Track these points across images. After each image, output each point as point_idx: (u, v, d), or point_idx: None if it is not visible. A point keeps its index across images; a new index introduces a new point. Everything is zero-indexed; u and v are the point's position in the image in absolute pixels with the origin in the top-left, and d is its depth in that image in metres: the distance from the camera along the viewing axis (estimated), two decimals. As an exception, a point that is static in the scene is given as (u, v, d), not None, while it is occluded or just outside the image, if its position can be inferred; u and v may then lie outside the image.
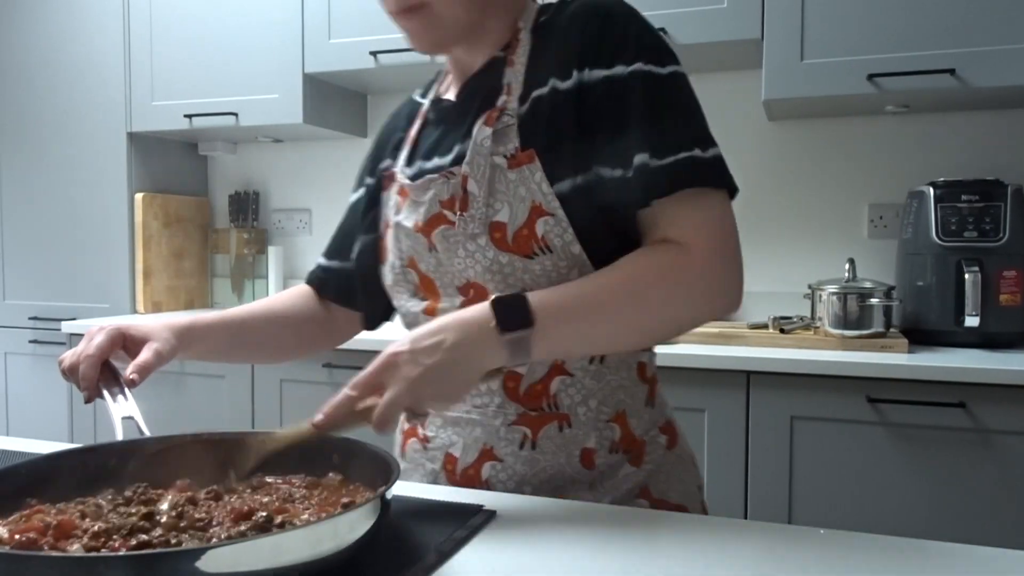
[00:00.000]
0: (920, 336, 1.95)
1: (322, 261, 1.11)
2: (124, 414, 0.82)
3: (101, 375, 0.87)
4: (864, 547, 0.66)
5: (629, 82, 0.82)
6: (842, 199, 2.29)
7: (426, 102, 1.00)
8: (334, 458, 0.75)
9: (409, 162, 0.95)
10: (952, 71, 1.84)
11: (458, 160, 0.87)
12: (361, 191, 1.06)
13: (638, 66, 0.82)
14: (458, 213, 0.85)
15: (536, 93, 0.85)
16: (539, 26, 0.90)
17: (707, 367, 1.79)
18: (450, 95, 0.95)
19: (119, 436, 0.80)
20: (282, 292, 1.11)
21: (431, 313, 0.90)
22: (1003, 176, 2.07)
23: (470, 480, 0.88)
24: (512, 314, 0.74)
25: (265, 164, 2.96)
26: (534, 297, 0.76)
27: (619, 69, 0.82)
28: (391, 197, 0.96)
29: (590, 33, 0.84)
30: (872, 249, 2.27)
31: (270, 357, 1.09)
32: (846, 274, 1.96)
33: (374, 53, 2.33)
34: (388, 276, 0.96)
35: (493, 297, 0.76)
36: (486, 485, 0.88)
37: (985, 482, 1.64)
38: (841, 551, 0.66)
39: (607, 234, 0.84)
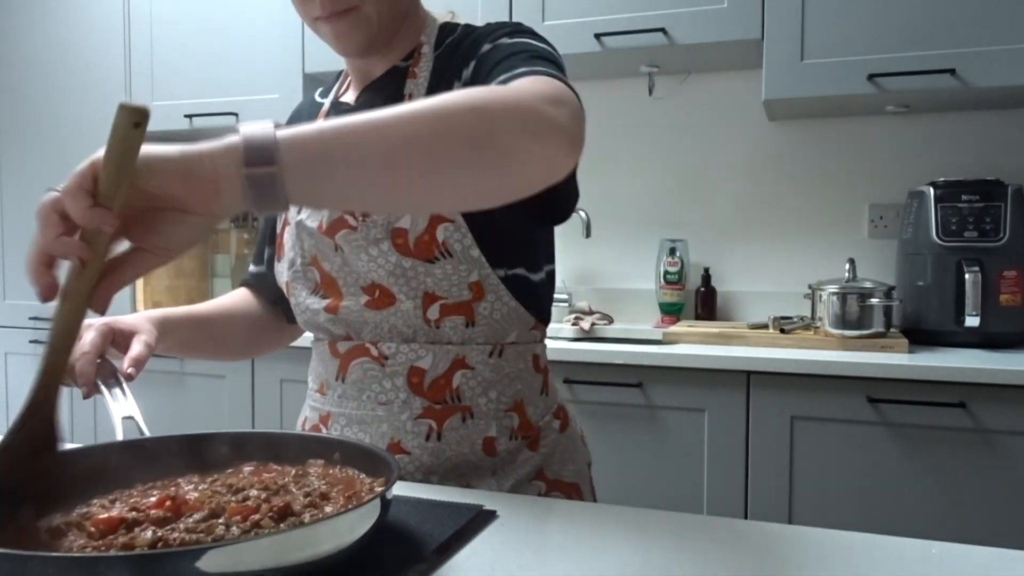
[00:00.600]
0: (920, 336, 1.95)
1: (251, 267, 1.14)
2: (124, 414, 0.82)
3: (98, 373, 0.88)
4: (864, 547, 0.66)
5: (493, 48, 0.85)
6: (842, 199, 2.29)
7: (326, 103, 1.02)
8: (335, 456, 0.76)
9: None
10: (952, 71, 1.84)
11: None
12: None
13: (502, 39, 0.86)
14: (360, 219, 0.88)
15: None
16: (444, 47, 0.93)
17: (707, 367, 1.79)
18: (349, 98, 0.98)
19: (119, 436, 0.80)
20: (235, 291, 1.14)
21: (333, 311, 0.93)
22: (1003, 176, 2.06)
23: None
24: (257, 145, 0.58)
25: (265, 164, 2.95)
26: (287, 133, 0.59)
27: (484, 47, 0.87)
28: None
29: (470, 42, 0.89)
30: (872, 249, 2.27)
31: (232, 354, 1.12)
32: (846, 274, 1.96)
33: (374, 53, 2.33)
34: (285, 273, 0.98)
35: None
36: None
37: (985, 482, 1.64)
38: (841, 551, 0.66)
39: (502, 235, 0.89)
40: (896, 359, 1.71)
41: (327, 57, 2.41)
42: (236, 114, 2.53)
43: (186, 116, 2.59)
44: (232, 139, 0.57)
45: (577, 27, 2.12)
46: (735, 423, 1.79)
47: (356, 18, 0.87)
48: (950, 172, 2.17)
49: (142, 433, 0.81)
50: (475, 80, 0.86)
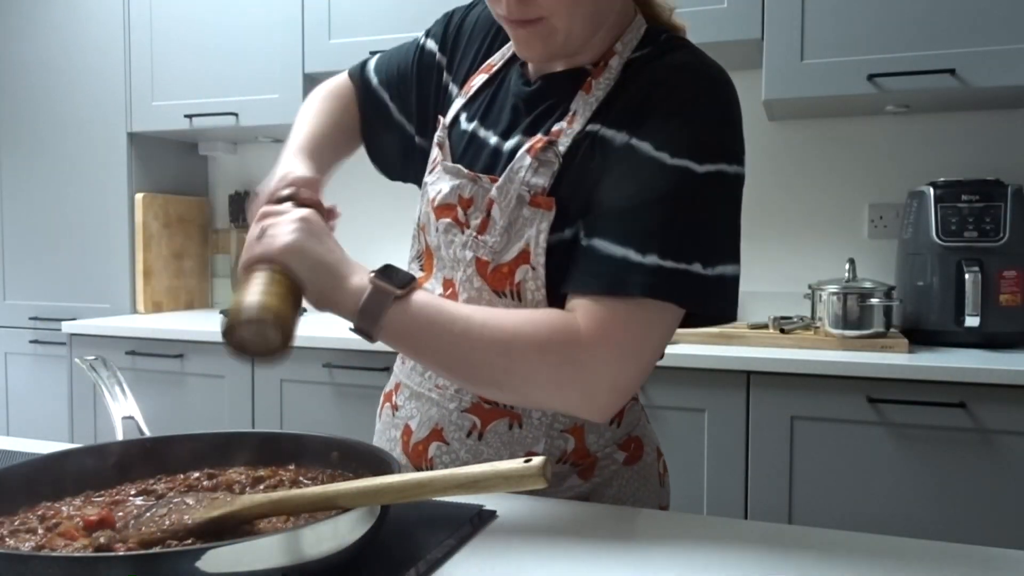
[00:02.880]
0: (920, 336, 1.95)
1: (371, 70, 1.09)
2: (124, 414, 0.82)
3: (99, 373, 0.88)
4: (864, 547, 0.66)
5: (665, 173, 0.76)
6: (842, 199, 2.29)
7: (500, 58, 0.95)
8: (333, 456, 0.76)
9: (463, 115, 0.93)
10: (952, 71, 1.84)
11: (494, 162, 0.86)
12: (437, 55, 1.02)
13: (679, 161, 0.76)
14: (474, 227, 0.85)
15: (589, 128, 0.82)
16: (632, 60, 0.84)
17: (707, 367, 1.79)
18: (529, 70, 0.90)
19: (119, 436, 0.80)
20: (329, 101, 1.09)
21: (422, 285, 0.90)
22: (1003, 176, 2.06)
23: (418, 456, 0.90)
24: (373, 301, 0.75)
25: (265, 164, 2.95)
26: (406, 298, 0.76)
27: (663, 155, 0.76)
28: (434, 143, 0.95)
29: (650, 97, 0.79)
30: (872, 249, 2.27)
31: (355, 146, 1.12)
32: (846, 274, 1.96)
33: (374, 53, 2.32)
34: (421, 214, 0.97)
35: (372, 273, 0.77)
36: (430, 464, 0.89)
37: (985, 482, 1.64)
38: (841, 551, 0.66)
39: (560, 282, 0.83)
40: (896, 359, 1.71)
41: (327, 57, 2.41)
42: (236, 114, 2.53)
43: (186, 116, 2.59)
44: (356, 297, 0.76)
45: (577, 27, 2.12)
46: (735, 423, 1.79)
47: (541, 30, 0.80)
48: (950, 172, 2.17)
49: (142, 433, 0.81)
50: (604, 165, 0.79)
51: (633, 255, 0.74)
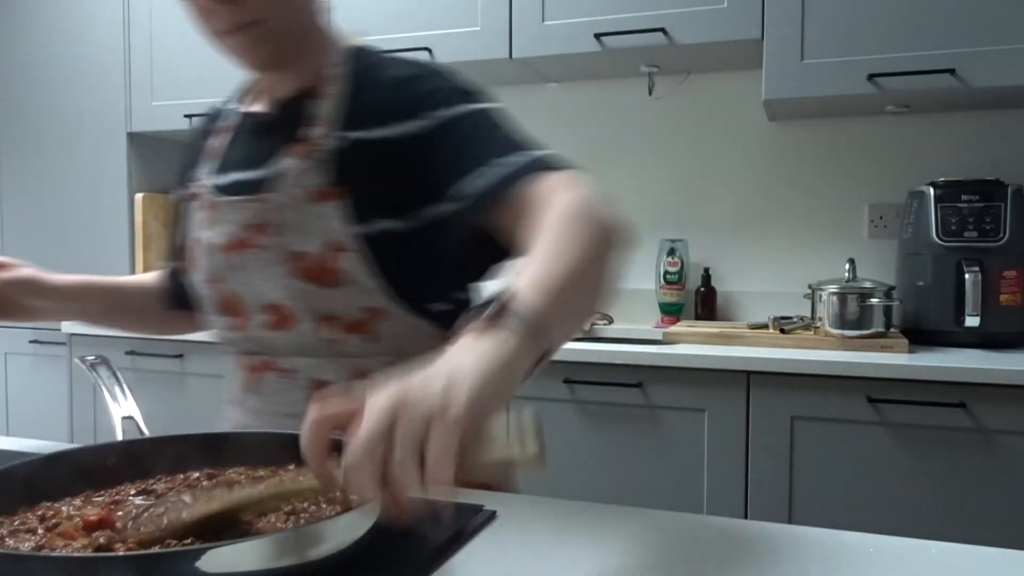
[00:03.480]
0: (920, 336, 1.95)
1: (161, 264, 1.15)
2: (124, 414, 0.82)
3: (100, 372, 0.88)
4: (864, 547, 0.66)
5: (457, 123, 0.85)
6: (842, 199, 2.29)
7: (234, 114, 1.01)
8: (332, 456, 0.75)
9: (221, 170, 0.97)
10: (952, 71, 1.84)
11: (263, 184, 0.90)
12: (180, 192, 1.10)
13: (459, 108, 0.86)
14: (264, 240, 0.89)
15: (349, 134, 0.88)
16: (356, 71, 0.92)
17: (707, 367, 1.79)
18: (261, 109, 0.97)
19: (119, 436, 0.80)
20: (152, 273, 1.17)
21: (240, 330, 0.94)
22: (1003, 176, 2.06)
23: None
24: (503, 311, 0.61)
25: (265, 164, 2.95)
26: (522, 292, 0.64)
27: (440, 112, 0.86)
28: (196, 211, 0.99)
29: (408, 89, 0.89)
30: (872, 249, 2.27)
31: (149, 328, 1.16)
32: (846, 274, 1.96)
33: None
34: (196, 286, 0.99)
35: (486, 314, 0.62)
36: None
37: (985, 482, 1.64)
38: (841, 551, 0.66)
39: (409, 270, 0.89)
40: (896, 359, 1.71)
41: (327, 57, 2.41)
42: (236, 114, 2.53)
43: (186, 116, 2.59)
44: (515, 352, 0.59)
45: (577, 27, 2.12)
46: (735, 423, 1.79)
47: (262, 31, 0.86)
48: (950, 172, 2.16)
49: (142, 433, 0.81)
50: (442, 139, 0.86)
51: (531, 154, 0.82)
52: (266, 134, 0.94)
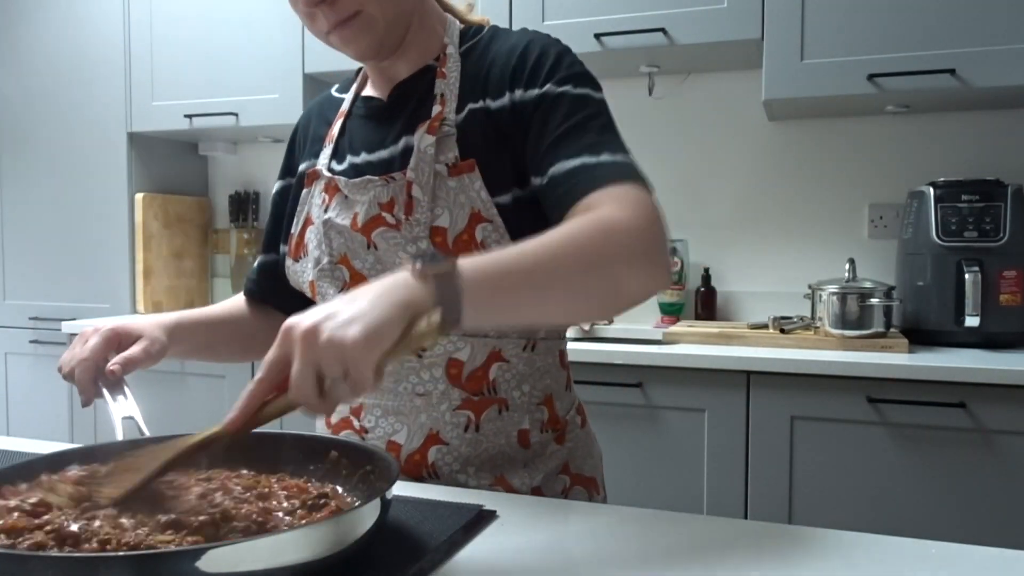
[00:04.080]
0: (920, 336, 1.95)
1: (260, 258, 1.12)
2: (124, 414, 0.83)
3: (100, 375, 0.88)
4: (864, 547, 0.66)
5: (558, 99, 0.87)
6: (842, 199, 2.29)
7: (347, 98, 1.02)
8: (332, 455, 0.76)
9: (337, 157, 0.98)
10: (952, 71, 1.84)
11: (393, 163, 0.92)
12: (284, 182, 1.08)
13: (566, 88, 0.88)
14: (404, 217, 0.89)
15: (471, 106, 0.90)
16: (469, 49, 0.95)
17: (707, 367, 1.79)
18: (378, 94, 0.99)
19: (119, 436, 0.80)
20: (231, 300, 1.14)
21: None
22: (1003, 176, 2.06)
23: (416, 465, 0.92)
24: (436, 261, 0.64)
25: (265, 164, 2.96)
26: (461, 261, 0.66)
27: (549, 88, 0.88)
28: (315, 194, 0.98)
29: (526, 60, 0.90)
30: (872, 249, 2.27)
31: (239, 357, 1.13)
32: (846, 274, 1.96)
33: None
34: (310, 272, 0.97)
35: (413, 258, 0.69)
36: (432, 468, 0.92)
37: (985, 482, 1.64)
38: (841, 551, 0.66)
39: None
40: (896, 359, 1.71)
41: (327, 57, 2.41)
42: (236, 114, 2.53)
43: (186, 116, 2.59)
44: (423, 297, 0.62)
45: (577, 27, 2.12)
46: (735, 423, 1.79)
47: (361, 22, 0.88)
48: (950, 172, 2.17)
49: (142, 433, 0.81)
50: (534, 113, 0.87)
51: (590, 159, 0.83)
52: (387, 116, 0.95)
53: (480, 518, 0.73)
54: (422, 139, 0.89)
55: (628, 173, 0.83)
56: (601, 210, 0.77)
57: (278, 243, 1.08)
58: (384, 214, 0.90)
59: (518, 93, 0.89)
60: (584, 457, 1.00)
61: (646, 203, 0.80)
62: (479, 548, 0.67)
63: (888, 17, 1.90)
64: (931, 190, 1.94)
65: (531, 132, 0.87)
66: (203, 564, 0.49)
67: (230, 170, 3.01)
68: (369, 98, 0.99)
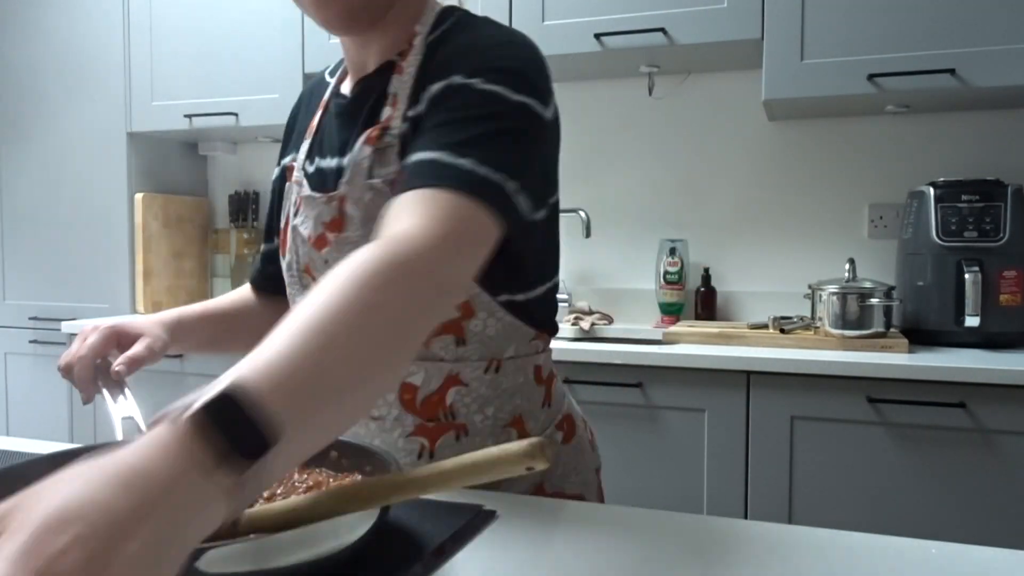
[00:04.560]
0: (920, 336, 1.95)
1: (263, 247, 1.09)
2: (124, 414, 0.82)
3: (100, 374, 0.88)
4: (864, 547, 0.66)
5: (459, 91, 0.77)
6: (842, 199, 2.29)
7: (327, 93, 0.96)
8: (331, 455, 0.75)
9: (309, 156, 0.93)
10: (952, 71, 1.84)
11: (340, 174, 0.85)
12: (281, 167, 1.04)
13: (474, 80, 0.77)
14: (334, 235, 0.84)
15: (411, 113, 0.82)
16: (434, 39, 0.85)
17: (707, 367, 1.79)
18: (346, 89, 0.92)
19: (119, 436, 0.80)
20: (244, 288, 1.11)
21: None
22: (1003, 176, 2.06)
23: None
24: (233, 430, 0.42)
25: (265, 164, 2.96)
26: (248, 382, 0.45)
27: (454, 79, 0.78)
28: (291, 193, 0.94)
29: (469, 47, 0.80)
30: (872, 249, 2.27)
31: (247, 349, 1.08)
32: (846, 274, 1.96)
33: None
34: (285, 274, 0.95)
35: (187, 415, 0.42)
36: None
37: (985, 482, 1.64)
38: (841, 551, 0.66)
39: (488, 265, 0.72)
40: (896, 359, 1.71)
41: (327, 57, 2.41)
42: (236, 114, 2.53)
43: (186, 116, 2.59)
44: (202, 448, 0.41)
45: (577, 27, 2.12)
46: (735, 423, 1.79)
47: None
48: (950, 172, 2.17)
49: (142, 433, 0.81)
50: (428, 110, 0.78)
51: (447, 157, 0.71)
52: (349, 117, 0.88)
53: (480, 518, 0.73)
54: (360, 151, 0.82)
55: (478, 187, 0.69)
56: (396, 231, 0.64)
57: (274, 234, 1.06)
58: (327, 233, 0.85)
59: (431, 89, 0.79)
60: (566, 475, 0.93)
61: (451, 218, 0.66)
62: (479, 548, 0.67)
63: (888, 17, 1.90)
64: (931, 190, 1.94)
65: (418, 129, 0.78)
66: (203, 564, 0.49)
67: (230, 170, 3.01)
68: (337, 94, 0.93)
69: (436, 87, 0.79)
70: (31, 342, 2.77)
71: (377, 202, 0.81)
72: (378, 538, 0.62)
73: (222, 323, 1.04)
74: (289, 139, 1.03)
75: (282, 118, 2.48)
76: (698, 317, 2.34)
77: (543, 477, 0.91)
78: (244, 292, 1.10)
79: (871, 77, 1.90)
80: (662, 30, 2.04)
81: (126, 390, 0.86)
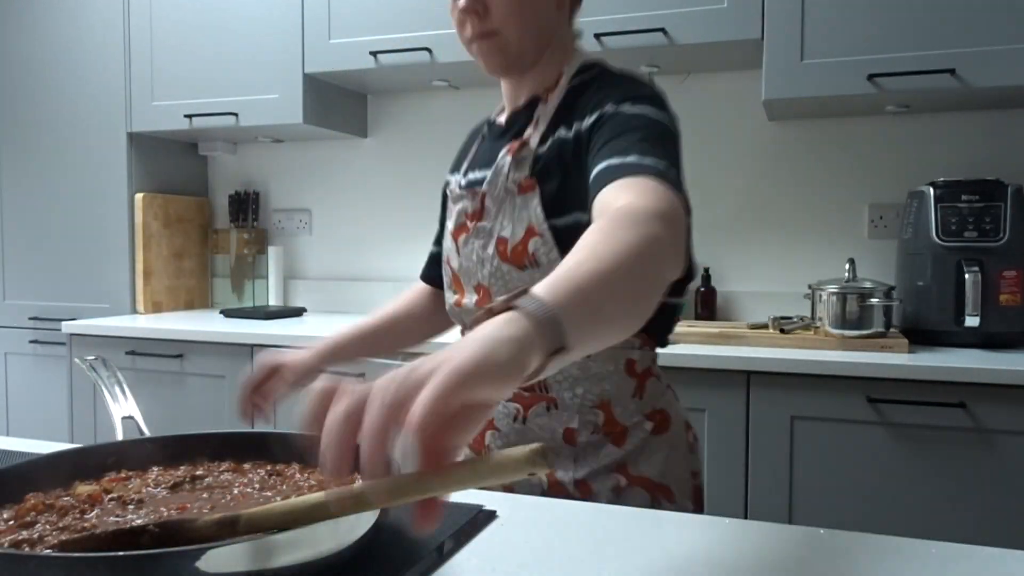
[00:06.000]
0: (920, 336, 1.95)
1: (432, 248, 1.30)
2: (124, 414, 0.83)
3: (99, 373, 0.89)
4: (864, 547, 0.66)
5: (613, 117, 0.93)
6: (842, 199, 2.29)
7: (486, 122, 1.17)
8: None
9: (466, 171, 1.12)
10: (952, 71, 1.84)
11: (485, 179, 1.04)
12: (446, 181, 1.23)
13: (624, 106, 0.93)
14: (474, 224, 1.03)
15: (553, 136, 0.99)
16: (578, 82, 1.03)
17: (707, 367, 1.79)
18: (501, 119, 1.12)
19: (119, 436, 0.80)
20: (404, 293, 1.30)
21: (458, 305, 1.07)
22: (1003, 176, 2.06)
23: (476, 444, 1.05)
24: (522, 298, 0.59)
25: (265, 164, 2.96)
26: (544, 285, 0.62)
27: (608, 108, 0.94)
28: (450, 200, 1.13)
29: (599, 94, 0.97)
30: (872, 249, 2.27)
31: (416, 344, 1.28)
32: (846, 274, 1.96)
33: (374, 53, 2.33)
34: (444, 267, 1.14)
35: (499, 299, 0.60)
36: (487, 450, 1.02)
37: (985, 482, 1.64)
38: (841, 551, 0.66)
39: None
40: (896, 359, 1.71)
41: (327, 57, 2.41)
42: (236, 114, 2.53)
43: (186, 116, 2.59)
44: (530, 337, 0.54)
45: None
46: (735, 423, 1.79)
47: (497, 41, 0.99)
48: (950, 172, 2.17)
49: (142, 433, 0.81)
50: (591, 135, 0.94)
51: (633, 159, 0.85)
52: (500, 138, 1.07)
53: (480, 518, 0.73)
54: (502, 158, 1.01)
55: (651, 172, 0.81)
56: (621, 203, 0.75)
57: (442, 236, 1.23)
58: (468, 222, 1.04)
59: (586, 120, 0.96)
60: (653, 463, 1.01)
61: (661, 191, 0.78)
62: (479, 548, 0.67)
63: (888, 17, 1.90)
64: (931, 190, 1.94)
65: (589, 152, 0.93)
66: (203, 564, 0.49)
67: (230, 170, 3.02)
68: (493, 123, 1.13)
69: (590, 119, 0.95)
70: (31, 342, 2.77)
71: (507, 199, 0.99)
72: (378, 538, 0.62)
73: (376, 343, 1.22)
74: (458, 163, 1.20)
75: (282, 118, 2.48)
76: (698, 317, 2.34)
77: (627, 459, 1.00)
78: (403, 299, 1.29)
79: (871, 77, 1.90)
80: (662, 30, 2.05)
81: (126, 390, 0.86)
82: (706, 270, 2.35)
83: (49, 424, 2.75)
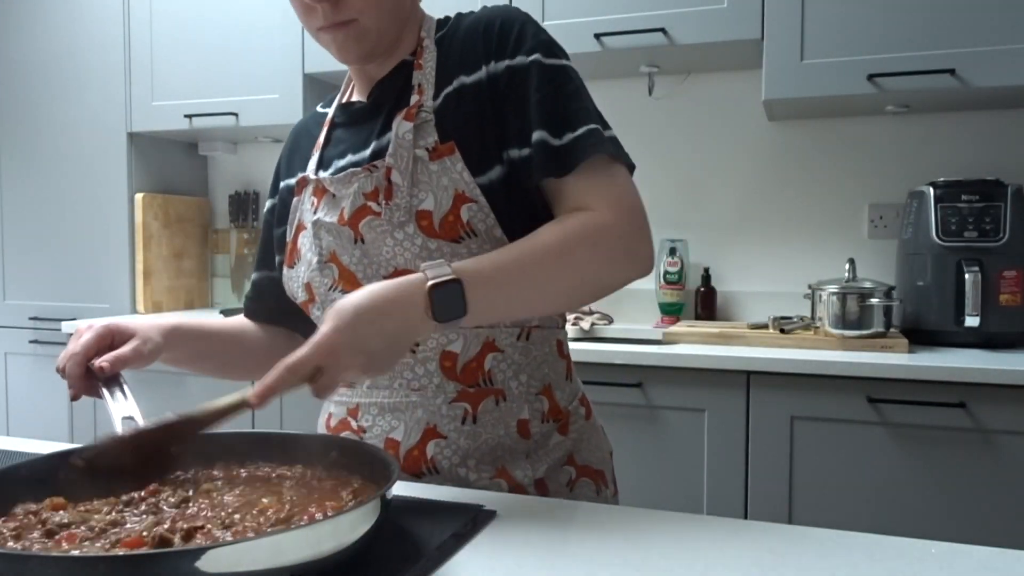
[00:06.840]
0: (920, 336, 1.95)
1: (253, 275, 1.13)
2: (124, 414, 0.83)
3: (98, 375, 0.88)
4: (864, 547, 0.66)
5: (529, 69, 0.90)
6: (842, 199, 2.29)
7: (331, 111, 1.05)
8: (332, 455, 0.76)
9: (322, 164, 1.00)
10: (952, 71, 1.84)
11: (377, 155, 0.93)
12: (273, 200, 1.10)
13: (535, 57, 0.90)
14: (385, 203, 0.90)
15: (447, 90, 0.93)
16: (442, 37, 0.97)
17: (707, 367, 1.79)
18: (358, 98, 1.01)
19: (119, 436, 0.80)
20: (241, 318, 1.15)
21: None
22: (1003, 176, 2.06)
23: (415, 461, 0.92)
24: (449, 304, 0.76)
25: (265, 164, 2.96)
26: (467, 275, 0.77)
27: (519, 59, 0.91)
28: (305, 200, 0.99)
29: (492, 32, 0.93)
30: (872, 249, 2.27)
31: (243, 372, 1.11)
32: (846, 274, 1.96)
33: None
34: (303, 275, 0.98)
35: (430, 283, 0.75)
36: (431, 464, 0.91)
37: (985, 482, 1.64)
38: (841, 551, 0.66)
39: (527, 217, 0.90)
40: (896, 359, 1.71)
41: (327, 57, 2.40)
42: (236, 114, 2.53)
43: (186, 116, 2.59)
44: (421, 303, 0.76)
45: (577, 27, 2.12)
46: (735, 423, 1.79)
47: (355, 29, 0.90)
48: (950, 172, 2.17)
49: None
50: (510, 89, 0.90)
51: (568, 132, 0.88)
52: (369, 116, 0.98)
53: (479, 518, 0.73)
54: (400, 126, 0.91)
55: (607, 148, 0.89)
56: (584, 216, 0.85)
57: (269, 260, 1.10)
58: (369, 203, 0.91)
59: (492, 65, 0.91)
60: (592, 449, 1.00)
61: (627, 195, 0.88)
62: (478, 548, 0.67)
63: (888, 17, 1.90)
64: (931, 190, 1.94)
65: (508, 105, 0.90)
66: (203, 564, 0.49)
67: (230, 170, 3.02)
68: (349, 103, 1.01)
69: (501, 66, 0.91)
70: (31, 342, 2.77)
71: (419, 169, 0.90)
72: (378, 538, 0.62)
73: (216, 339, 1.06)
74: (281, 172, 1.09)
75: (282, 118, 2.48)
76: (698, 317, 2.34)
77: (573, 448, 0.98)
78: (241, 321, 1.14)
79: (871, 77, 1.90)
80: (662, 30, 2.05)
81: (126, 389, 0.86)
82: (706, 270, 2.35)
83: (49, 424, 2.75)
